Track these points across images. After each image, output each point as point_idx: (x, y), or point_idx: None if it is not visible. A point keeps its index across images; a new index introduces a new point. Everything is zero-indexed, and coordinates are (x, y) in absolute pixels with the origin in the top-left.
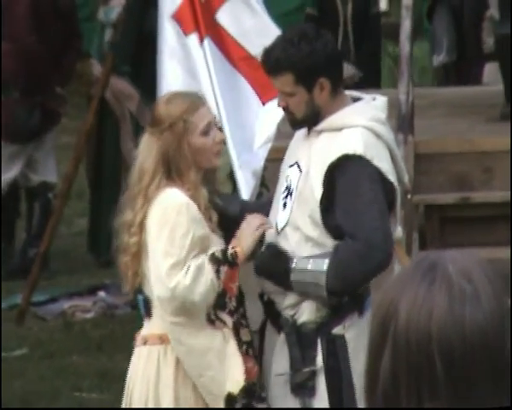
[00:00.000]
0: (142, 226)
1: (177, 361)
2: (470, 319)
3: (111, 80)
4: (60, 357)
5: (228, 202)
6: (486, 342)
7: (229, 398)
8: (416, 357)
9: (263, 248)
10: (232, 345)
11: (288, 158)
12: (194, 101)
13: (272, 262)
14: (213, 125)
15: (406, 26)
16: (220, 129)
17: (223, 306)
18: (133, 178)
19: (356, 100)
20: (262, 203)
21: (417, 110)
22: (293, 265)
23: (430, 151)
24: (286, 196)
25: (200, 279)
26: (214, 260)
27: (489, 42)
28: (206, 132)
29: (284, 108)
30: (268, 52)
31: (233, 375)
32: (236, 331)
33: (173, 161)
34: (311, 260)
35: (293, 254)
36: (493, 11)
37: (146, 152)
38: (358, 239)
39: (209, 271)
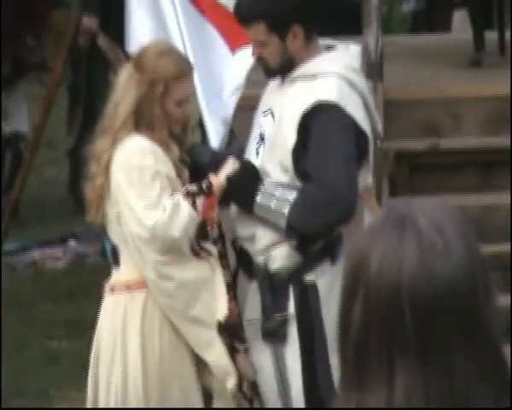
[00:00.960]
0: (107, 168)
1: (144, 309)
2: (440, 271)
3: (97, 29)
4: (30, 306)
5: (198, 151)
6: (456, 295)
7: (220, 327)
8: (387, 308)
9: (238, 165)
10: (219, 273)
11: (262, 105)
12: (183, 70)
13: (242, 180)
14: (188, 100)
15: None
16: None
17: (205, 235)
18: (108, 109)
19: (329, 48)
20: (233, 152)
21: (386, 58)
22: (262, 188)
23: (399, 98)
24: (259, 144)
25: (178, 215)
26: (189, 194)
27: None
28: (180, 103)
29: (258, 58)
30: (240, 1)
31: (221, 303)
32: (222, 258)
33: (144, 115)
34: (280, 188)
35: (263, 178)
36: None
37: (123, 92)
38: (324, 187)
39: (185, 205)
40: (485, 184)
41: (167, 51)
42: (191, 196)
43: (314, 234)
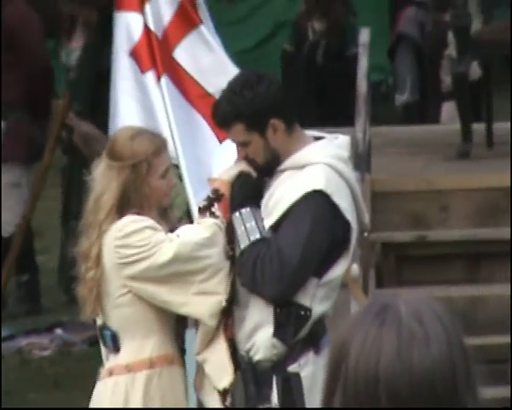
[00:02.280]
0: (98, 260)
1: (146, 389)
2: (418, 363)
3: (75, 123)
4: (16, 394)
5: None
6: (434, 388)
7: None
8: (364, 399)
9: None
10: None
11: None
12: (159, 145)
13: (238, 190)
14: (170, 170)
15: (363, 63)
16: (176, 166)
17: (230, 238)
18: (89, 206)
19: (318, 139)
20: None
21: (374, 148)
22: (243, 210)
23: (386, 189)
24: None
25: (195, 230)
26: (202, 209)
27: (447, 80)
28: (164, 176)
29: (245, 159)
30: (215, 107)
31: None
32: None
33: (131, 200)
34: (253, 222)
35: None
36: (451, 50)
37: (104, 184)
38: (272, 264)
39: (205, 220)
40: (473, 275)
41: (138, 132)
42: (206, 210)
43: (242, 284)
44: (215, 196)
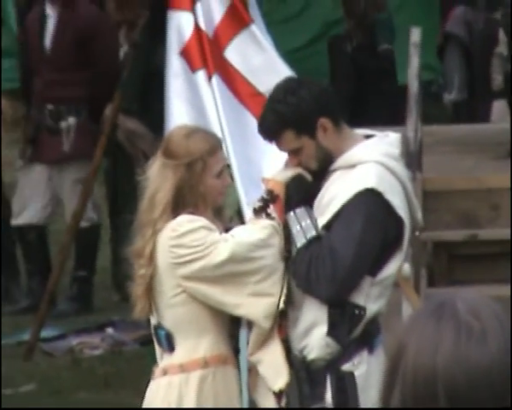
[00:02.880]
0: (151, 258)
1: (199, 389)
2: (476, 357)
3: (121, 120)
4: (67, 393)
5: None
6: (491, 382)
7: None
8: (423, 393)
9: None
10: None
11: None
12: (214, 144)
13: (293, 192)
14: (225, 169)
15: (414, 63)
16: (228, 166)
17: (288, 239)
18: (143, 205)
19: (368, 137)
20: None
21: (425, 148)
22: (297, 210)
23: (437, 189)
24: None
25: (250, 231)
26: (258, 210)
27: (498, 79)
28: (219, 175)
29: (298, 165)
30: (261, 122)
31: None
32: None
33: (186, 200)
34: (308, 220)
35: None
36: (502, 48)
37: (159, 183)
38: (326, 265)
39: (260, 221)
40: None
41: (193, 131)
42: (261, 211)
43: (297, 285)
44: (270, 198)
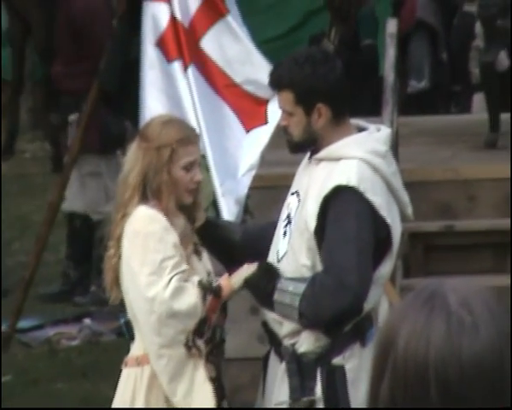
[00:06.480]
0: (119, 240)
1: (150, 384)
2: (467, 349)
3: None
4: (44, 384)
5: (230, 228)
6: (483, 374)
7: None
8: (413, 384)
9: (254, 267)
10: (202, 373)
11: (293, 185)
12: (188, 135)
13: (261, 280)
14: (196, 166)
15: (391, 54)
16: (203, 157)
17: (201, 333)
18: (119, 187)
19: (361, 130)
20: (263, 227)
21: (401, 139)
22: (278, 285)
23: (414, 179)
24: (286, 225)
25: (181, 298)
26: (202, 285)
27: (476, 72)
28: (187, 168)
29: (285, 128)
30: (274, 68)
31: (202, 403)
32: (207, 359)
33: (151, 183)
34: (293, 283)
35: (282, 276)
36: (478, 41)
37: (131, 164)
38: (330, 275)
39: (196, 294)
40: (501, 265)
41: (171, 120)
42: (203, 290)
43: (325, 324)
44: (215, 292)
